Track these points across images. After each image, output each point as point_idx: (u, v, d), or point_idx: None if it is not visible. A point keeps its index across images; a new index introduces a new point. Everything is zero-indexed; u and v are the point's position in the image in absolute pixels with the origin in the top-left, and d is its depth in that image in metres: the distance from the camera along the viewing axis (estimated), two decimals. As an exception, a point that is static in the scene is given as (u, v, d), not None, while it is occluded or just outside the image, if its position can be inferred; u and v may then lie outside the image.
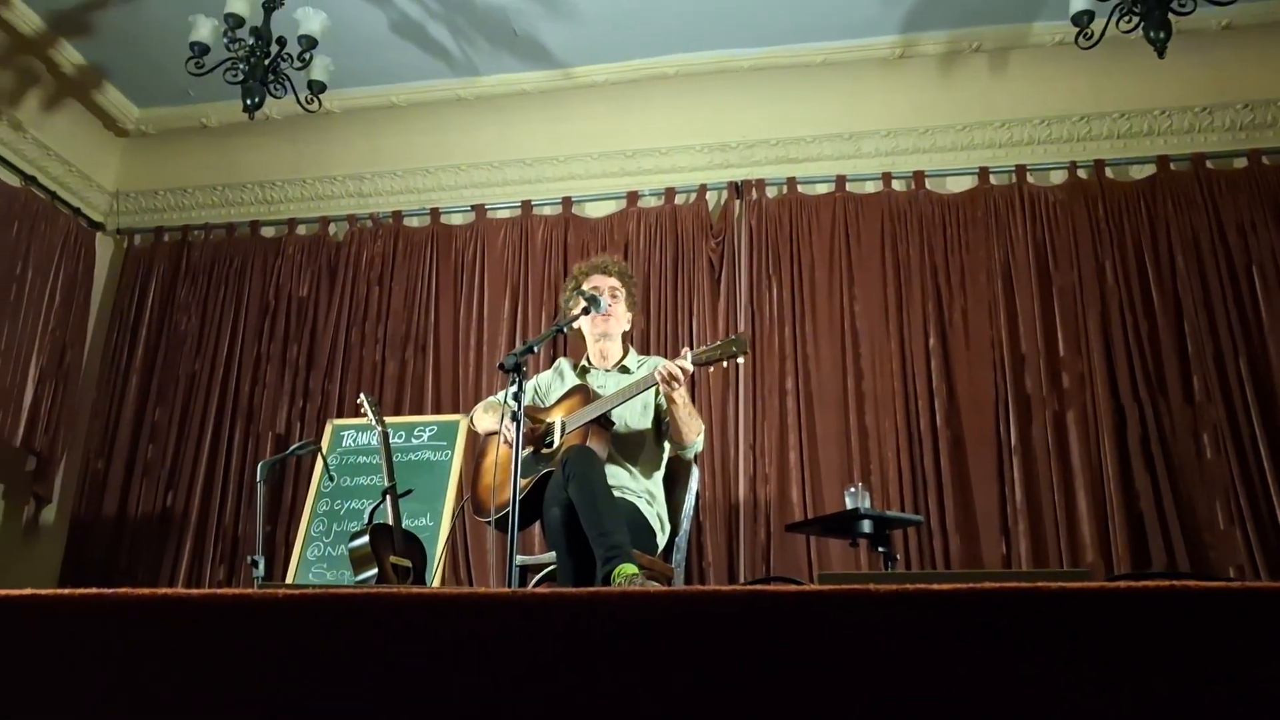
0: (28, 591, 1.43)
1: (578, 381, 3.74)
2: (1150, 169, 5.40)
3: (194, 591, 1.39)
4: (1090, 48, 4.36)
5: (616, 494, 3.41)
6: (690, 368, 3.26)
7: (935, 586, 1.20)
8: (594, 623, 1.27)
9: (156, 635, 1.37)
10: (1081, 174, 5.44)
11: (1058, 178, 5.52)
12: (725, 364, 3.25)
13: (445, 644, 1.30)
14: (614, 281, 3.80)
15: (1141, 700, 1.12)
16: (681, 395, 3.37)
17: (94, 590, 1.41)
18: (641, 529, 3.40)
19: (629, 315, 3.88)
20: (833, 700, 1.18)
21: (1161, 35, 4.16)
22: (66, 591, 1.42)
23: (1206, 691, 1.12)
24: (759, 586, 1.27)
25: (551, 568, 3.46)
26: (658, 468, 3.65)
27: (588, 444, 3.36)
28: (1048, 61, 5.51)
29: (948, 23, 5.45)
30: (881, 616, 1.20)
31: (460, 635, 1.29)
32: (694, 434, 3.52)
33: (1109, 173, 5.44)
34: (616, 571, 2.89)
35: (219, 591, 1.39)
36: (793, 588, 1.25)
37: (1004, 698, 1.15)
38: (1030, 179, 5.50)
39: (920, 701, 1.16)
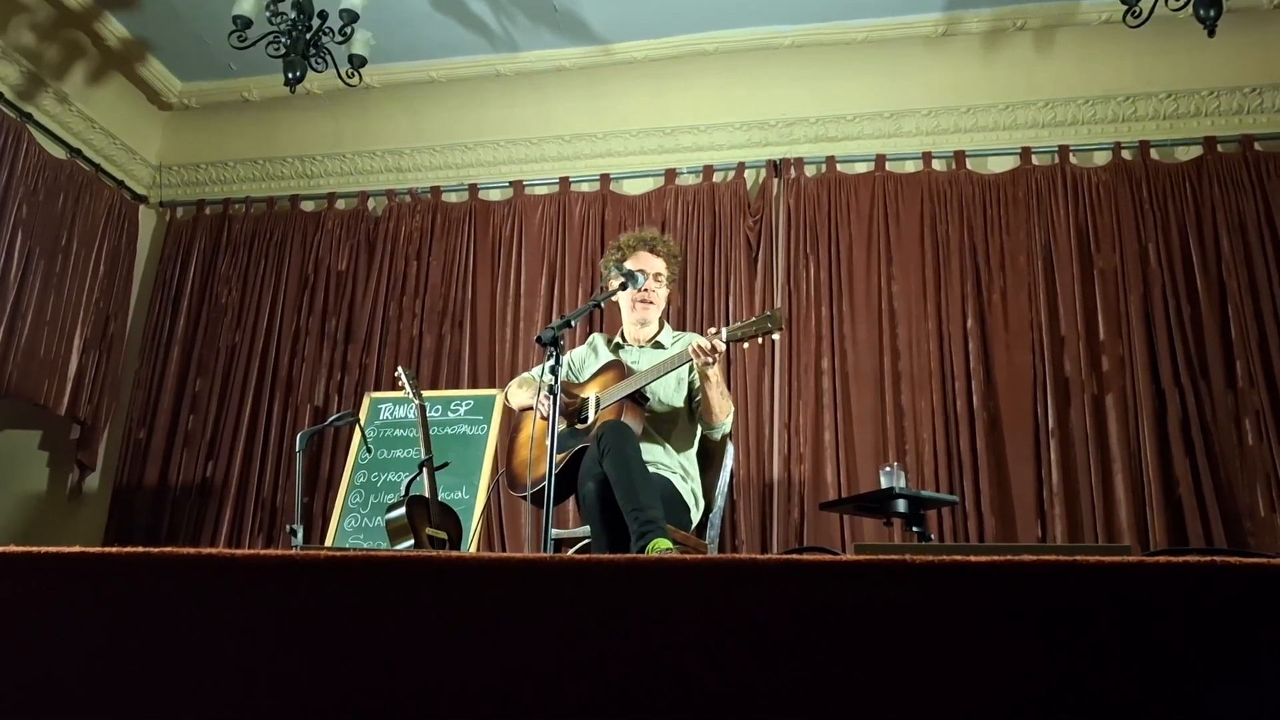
0: (77, 549, 1.46)
1: (612, 357, 3.73)
2: (1197, 151, 5.32)
3: (238, 551, 1.41)
4: (1138, 26, 4.28)
5: (651, 469, 3.41)
6: (722, 346, 3.24)
7: (972, 558, 1.19)
8: (631, 589, 1.28)
9: (202, 594, 1.39)
10: (1126, 155, 5.37)
11: (1101, 159, 5.45)
12: (760, 340, 3.22)
13: (483, 608, 1.31)
14: (660, 266, 3.73)
15: (1180, 677, 1.12)
16: (715, 373, 3.35)
17: (141, 549, 1.44)
18: (676, 504, 3.40)
19: (667, 294, 3.83)
20: (868, 672, 1.18)
21: (1212, 13, 4.08)
22: (114, 550, 1.45)
23: (1246, 670, 1.11)
24: (794, 556, 1.28)
25: (586, 541, 3.47)
26: (692, 444, 3.65)
27: (623, 419, 3.36)
28: (1093, 40, 5.42)
29: (992, 0, 5.38)
30: (918, 587, 1.20)
31: (500, 599, 1.30)
32: (724, 414, 3.50)
33: (1154, 154, 5.37)
34: (650, 546, 2.89)
35: (263, 552, 1.41)
36: (828, 557, 1.26)
37: (1040, 672, 1.15)
38: (1073, 160, 5.43)
39: (955, 674, 1.16)
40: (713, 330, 3.27)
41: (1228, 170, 5.20)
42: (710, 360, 3.24)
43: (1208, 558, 1.14)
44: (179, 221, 6.66)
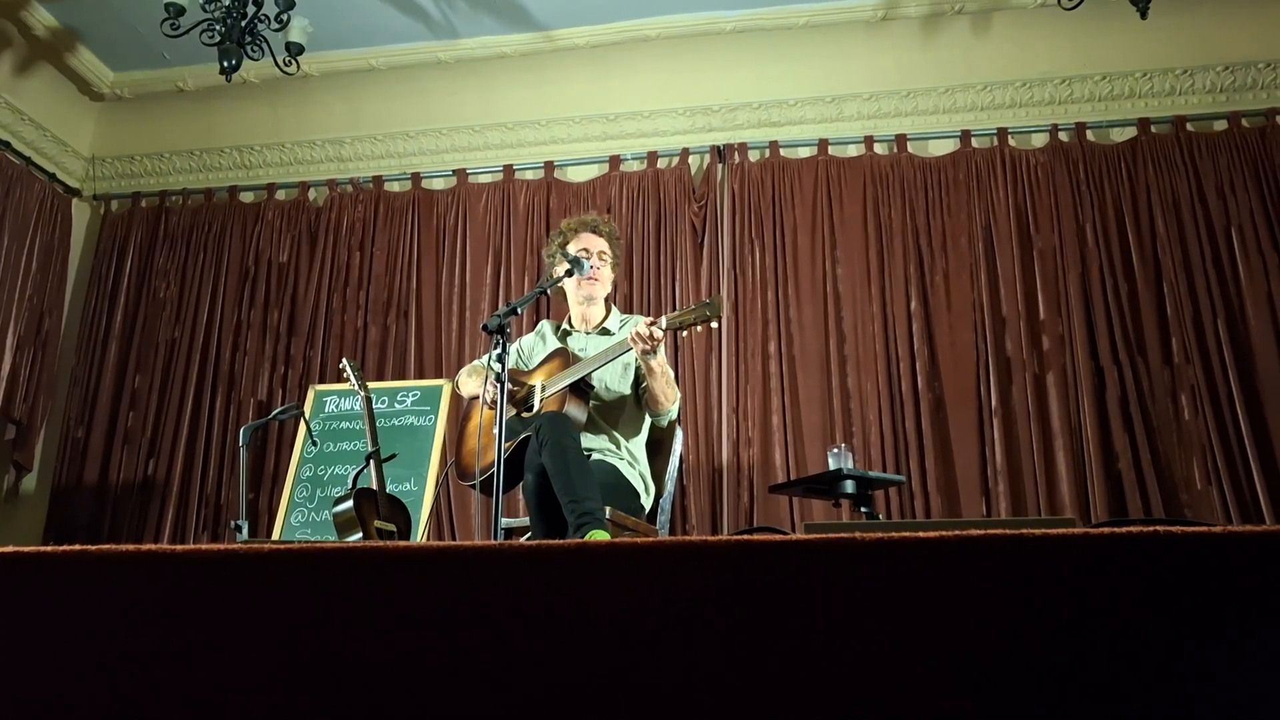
0: (10, 549, 1.42)
1: (559, 344, 3.72)
2: (1131, 131, 5.42)
3: (178, 548, 1.39)
4: (1073, 8, 4.35)
5: (598, 457, 3.41)
6: (660, 334, 3.22)
7: (920, 534, 1.21)
8: (583, 575, 1.27)
9: (141, 592, 1.37)
10: (1063, 136, 5.46)
11: (1039, 140, 5.53)
12: (699, 329, 3.20)
13: (431, 598, 1.30)
14: (603, 245, 3.73)
15: (1124, 645, 1.14)
16: (659, 362, 3.34)
17: (78, 547, 1.41)
18: (625, 491, 3.39)
19: (612, 277, 3.82)
20: (819, 650, 1.19)
21: (1144, -5, 4.16)
22: (49, 549, 1.42)
23: (1188, 635, 1.14)
24: (744, 537, 1.28)
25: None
26: (640, 430, 3.64)
27: (565, 408, 3.34)
28: (1030, 23, 5.49)
29: (930, -16, 5.42)
30: (867, 564, 1.21)
31: (448, 589, 1.30)
32: (670, 401, 3.49)
33: (1090, 135, 5.45)
34: (587, 537, 2.88)
35: (204, 548, 1.39)
36: (778, 537, 1.26)
37: (987, 644, 1.16)
38: (1011, 142, 5.50)
39: (906, 650, 1.18)
40: (650, 320, 3.26)
41: (1161, 151, 5.30)
42: (649, 348, 3.23)
43: (1148, 528, 1.16)
44: (114, 215, 6.52)
